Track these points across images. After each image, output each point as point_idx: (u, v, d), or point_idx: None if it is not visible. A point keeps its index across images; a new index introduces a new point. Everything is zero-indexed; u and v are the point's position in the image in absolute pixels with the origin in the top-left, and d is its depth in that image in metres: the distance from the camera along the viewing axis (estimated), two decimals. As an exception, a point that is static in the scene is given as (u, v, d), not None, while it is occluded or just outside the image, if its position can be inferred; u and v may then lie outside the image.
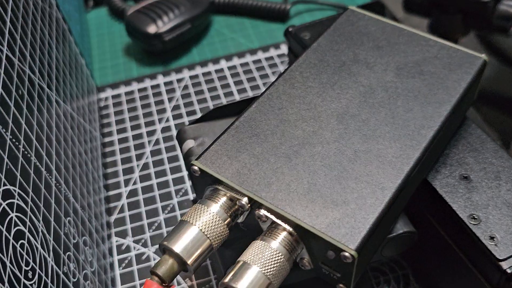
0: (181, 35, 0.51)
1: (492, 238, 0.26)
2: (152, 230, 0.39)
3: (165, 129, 0.46)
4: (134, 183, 0.42)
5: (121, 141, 0.45)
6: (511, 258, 0.26)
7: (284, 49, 0.52)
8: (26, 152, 0.27)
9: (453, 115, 0.28)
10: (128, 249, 0.38)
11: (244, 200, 0.25)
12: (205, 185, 0.26)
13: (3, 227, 0.22)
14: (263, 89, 0.43)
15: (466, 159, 0.30)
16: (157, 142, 0.45)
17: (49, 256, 0.26)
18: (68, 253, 0.29)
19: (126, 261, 0.37)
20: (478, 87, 0.31)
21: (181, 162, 0.43)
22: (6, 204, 0.23)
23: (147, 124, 0.46)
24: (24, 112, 0.28)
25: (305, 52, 0.31)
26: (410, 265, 0.35)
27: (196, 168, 0.26)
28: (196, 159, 0.26)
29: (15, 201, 0.24)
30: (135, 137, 0.45)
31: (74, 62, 0.42)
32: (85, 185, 0.36)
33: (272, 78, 0.48)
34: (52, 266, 0.26)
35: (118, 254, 0.37)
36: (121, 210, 0.40)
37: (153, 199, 0.40)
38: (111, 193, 0.41)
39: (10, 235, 0.22)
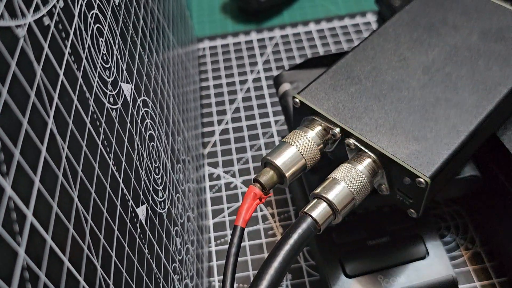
0: (276, -3, 0.55)
1: (552, 187, 0.30)
2: (240, 164, 0.44)
3: (256, 80, 0.50)
4: (226, 123, 0.47)
5: (216, 86, 0.50)
6: None
7: (369, 17, 0.55)
8: (156, 75, 0.32)
9: (529, 77, 0.31)
10: (218, 178, 0.43)
11: (337, 130, 0.29)
12: (302, 117, 0.31)
13: (142, 127, 0.27)
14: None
15: (536, 119, 0.33)
16: (248, 90, 0.49)
17: (168, 161, 0.31)
18: (179, 165, 0.34)
19: (216, 187, 0.42)
20: (555, 57, 0.34)
21: (269, 109, 0.47)
22: (144, 111, 0.28)
23: (240, 74, 0.51)
24: (154, 42, 0.33)
25: (399, 12, 0.35)
26: (470, 215, 0.39)
27: (297, 100, 0.30)
28: (298, 93, 0.31)
29: (149, 110, 0.29)
30: (229, 84, 0.50)
31: (183, 12, 0.48)
32: (188, 117, 0.41)
33: (357, 43, 0.52)
34: (169, 170, 0.31)
35: (210, 181, 0.43)
36: (214, 145, 0.45)
37: (242, 138, 0.45)
38: (206, 129, 0.46)
39: (146, 135, 0.28)
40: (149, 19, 0.33)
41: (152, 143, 0.29)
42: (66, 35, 0.19)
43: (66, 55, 0.19)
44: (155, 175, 0.28)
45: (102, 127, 0.21)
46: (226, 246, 0.39)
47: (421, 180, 0.27)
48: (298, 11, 0.57)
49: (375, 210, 0.35)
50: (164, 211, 0.29)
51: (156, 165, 0.29)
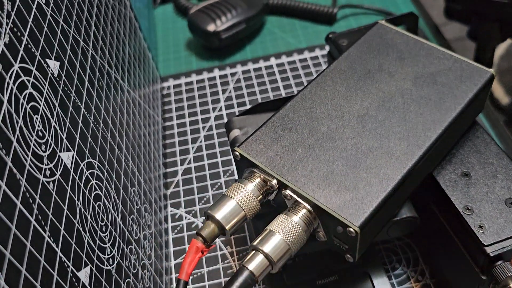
0: (237, 34, 0.57)
1: (481, 226, 0.31)
2: (202, 203, 0.45)
3: (218, 117, 0.52)
4: (189, 162, 0.48)
5: (179, 125, 0.52)
6: (494, 244, 0.31)
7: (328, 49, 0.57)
8: (103, 133, 0.33)
9: (458, 120, 0.33)
10: (180, 218, 0.44)
11: (274, 181, 0.31)
12: (244, 168, 0.32)
13: (86, 190, 0.29)
14: (305, 86, 0.48)
15: (469, 158, 0.35)
16: (210, 128, 0.51)
17: (118, 216, 0.33)
18: (132, 216, 0.35)
19: (178, 228, 0.44)
20: (487, 97, 0.36)
21: (229, 147, 0.49)
22: (89, 173, 0.30)
23: (203, 112, 0.53)
24: (103, 100, 0.35)
25: (337, 59, 0.37)
26: (419, 248, 0.40)
27: (237, 153, 0.32)
28: (238, 146, 0.32)
29: (95, 171, 0.31)
30: (192, 122, 0.52)
31: (143, 56, 0.49)
32: (147, 162, 0.43)
33: (315, 76, 0.54)
34: (120, 224, 0.33)
35: (172, 222, 0.44)
36: (177, 185, 0.47)
37: (203, 177, 0.47)
38: (169, 170, 0.48)
39: (91, 196, 0.29)
40: (96, 78, 0.34)
41: (98, 202, 0.30)
42: (-9, 126, 0.21)
43: (-8, 145, 0.20)
44: (101, 234, 0.30)
45: (36, 203, 0.23)
46: (189, 287, 0.40)
47: (351, 229, 0.28)
48: (260, 46, 0.59)
49: (324, 250, 0.37)
50: (112, 266, 0.30)
51: (103, 224, 0.30)
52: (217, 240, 0.43)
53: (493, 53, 0.63)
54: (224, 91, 0.54)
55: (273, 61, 0.57)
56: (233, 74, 0.56)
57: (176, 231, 0.44)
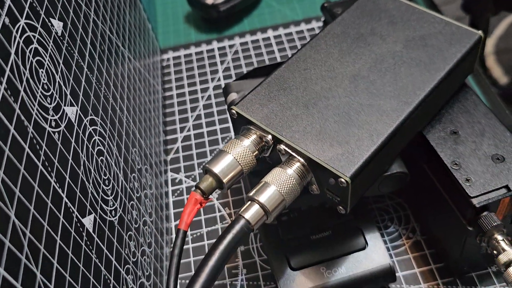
0: (235, 6, 0.58)
1: (468, 180, 0.33)
2: (201, 168, 0.46)
3: (217, 87, 0.53)
4: (188, 130, 0.50)
5: (178, 95, 0.53)
6: (480, 196, 0.32)
7: (325, 21, 0.58)
8: (105, 93, 0.35)
9: (447, 80, 0.34)
10: (180, 182, 0.46)
11: (269, 137, 0.32)
12: (240, 126, 0.34)
13: (90, 144, 0.30)
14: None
15: (458, 118, 0.36)
16: (209, 97, 0.52)
17: (120, 172, 0.34)
18: (133, 174, 0.37)
19: (178, 191, 0.45)
20: (476, 59, 0.37)
21: (228, 115, 0.50)
22: (92, 129, 0.31)
23: (202, 82, 0.54)
24: (105, 63, 0.36)
25: (330, 24, 0.38)
26: (410, 207, 0.42)
27: (234, 111, 0.33)
28: (235, 105, 0.34)
29: (98, 127, 0.32)
30: (191, 92, 0.53)
31: (142, 26, 0.50)
32: (148, 127, 0.44)
33: (312, 47, 0.55)
34: (122, 180, 0.34)
35: (172, 186, 0.46)
36: (176, 151, 0.48)
37: (202, 144, 0.48)
38: (169, 137, 0.49)
39: (94, 151, 0.31)
40: (98, 42, 0.35)
41: (101, 157, 0.32)
42: (1, 72, 0.22)
43: (2, 90, 0.22)
44: (104, 187, 0.31)
45: (43, 150, 0.24)
46: (187, 246, 0.42)
47: (342, 180, 0.29)
48: (257, 18, 0.60)
49: (318, 207, 0.38)
50: (115, 218, 0.32)
51: (105, 177, 0.32)
52: (216, 202, 0.44)
53: (488, 25, 0.64)
54: (222, 63, 0.56)
55: (270, 33, 0.58)
56: (231, 46, 0.57)
57: (176, 194, 0.45)
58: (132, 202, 0.35)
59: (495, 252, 0.32)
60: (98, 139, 0.32)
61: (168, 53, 0.57)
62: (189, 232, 0.42)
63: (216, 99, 0.52)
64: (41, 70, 0.26)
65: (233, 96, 0.40)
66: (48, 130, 0.25)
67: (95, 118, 0.32)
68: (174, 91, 0.53)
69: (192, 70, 0.55)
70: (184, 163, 0.47)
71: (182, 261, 0.41)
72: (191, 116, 0.51)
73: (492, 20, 0.74)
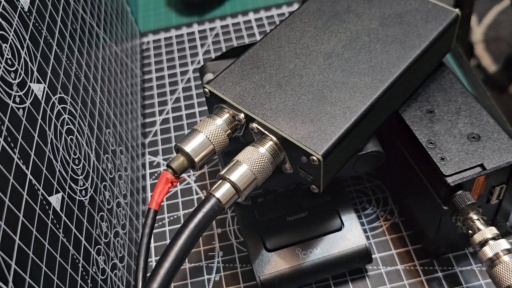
0: (216, -11, 0.58)
1: (442, 159, 0.32)
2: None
3: (196, 70, 0.53)
4: (167, 113, 0.49)
5: (158, 78, 0.52)
6: (454, 175, 0.32)
7: (307, 4, 0.57)
8: (77, 73, 0.34)
9: (423, 58, 0.34)
10: (158, 165, 0.45)
11: (242, 115, 0.32)
12: (214, 105, 0.33)
13: (58, 122, 0.30)
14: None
15: (434, 97, 0.36)
16: (188, 80, 0.52)
17: (92, 153, 0.34)
18: (106, 155, 0.36)
19: (156, 174, 0.45)
20: (453, 37, 0.37)
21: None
22: (61, 107, 0.30)
23: (181, 65, 0.53)
24: (76, 42, 0.35)
25: (306, 2, 0.37)
26: (389, 189, 0.41)
27: (207, 90, 0.33)
28: (207, 83, 0.33)
29: (67, 106, 0.31)
30: (170, 75, 0.53)
31: (120, 8, 0.50)
32: (125, 110, 0.44)
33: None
34: (93, 160, 0.34)
35: (150, 169, 0.45)
36: (155, 134, 0.48)
37: (181, 127, 0.48)
38: (147, 120, 0.49)
39: (63, 129, 0.30)
40: (69, 21, 0.35)
41: (71, 136, 0.31)
42: (-43, 45, 0.21)
43: (-42, 63, 0.21)
44: (73, 166, 0.30)
45: (5, 125, 0.24)
46: (164, 229, 0.41)
47: (314, 158, 0.29)
48: (239, 1, 0.60)
49: (295, 188, 0.38)
50: (85, 198, 0.31)
51: (75, 157, 0.31)
52: (193, 184, 0.44)
53: (472, 8, 0.64)
54: (202, 46, 0.55)
55: (251, 15, 0.57)
56: (212, 29, 0.57)
57: (154, 177, 0.45)
58: (104, 183, 0.35)
59: (470, 231, 0.32)
60: (68, 117, 0.31)
61: (148, 37, 0.57)
62: (166, 215, 0.42)
63: (196, 82, 0.51)
64: (5, 45, 0.25)
65: (209, 76, 0.39)
66: (11, 106, 0.25)
67: (64, 96, 0.31)
68: (153, 74, 0.53)
69: (172, 53, 0.55)
70: (162, 146, 0.47)
71: (158, 243, 0.41)
72: (170, 99, 0.50)
73: (481, 8, 0.74)
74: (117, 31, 0.47)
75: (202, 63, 0.53)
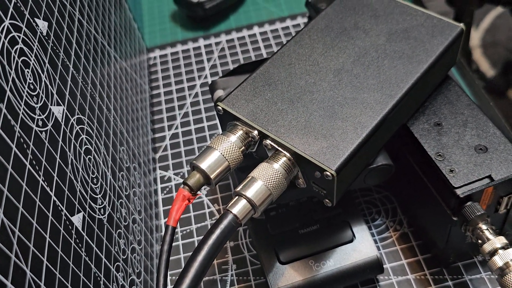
0: (220, 4, 0.58)
1: (451, 171, 0.33)
2: (189, 166, 0.47)
3: (204, 85, 0.53)
4: (176, 128, 0.50)
5: (166, 93, 0.53)
6: (463, 186, 0.33)
7: (310, 17, 0.58)
8: (92, 93, 0.35)
9: (430, 72, 0.35)
10: (169, 180, 0.46)
11: (255, 132, 0.32)
12: (227, 122, 0.34)
13: (77, 143, 0.30)
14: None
15: (441, 109, 0.37)
16: (196, 95, 0.53)
17: (108, 171, 0.34)
18: (121, 172, 0.37)
19: (167, 189, 0.45)
20: (458, 50, 0.38)
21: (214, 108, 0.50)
22: (79, 128, 0.31)
23: (189, 80, 0.54)
24: (91, 62, 0.36)
25: (314, 19, 0.38)
26: (397, 200, 0.42)
27: (220, 108, 0.34)
28: (221, 101, 0.34)
29: (85, 127, 0.32)
30: (178, 90, 0.53)
31: (128, 26, 0.50)
32: (136, 126, 0.44)
33: (298, 43, 0.55)
34: (110, 179, 0.34)
35: (161, 183, 0.46)
36: (165, 149, 0.48)
37: (191, 141, 0.49)
38: (157, 135, 0.50)
39: (81, 149, 0.31)
40: (83, 42, 0.35)
41: (89, 156, 0.32)
42: (-14, 73, 0.22)
43: (-13, 91, 0.22)
44: (92, 185, 0.31)
45: (30, 149, 0.25)
46: (177, 243, 0.42)
47: (328, 173, 0.30)
48: (243, 15, 0.61)
49: (306, 201, 0.39)
50: (104, 216, 0.32)
51: (93, 176, 0.32)
52: (205, 198, 0.44)
53: (472, 19, 0.65)
54: (209, 60, 0.56)
55: (256, 29, 0.58)
56: (217, 44, 0.57)
57: (165, 192, 0.45)
58: (121, 200, 0.35)
59: (479, 241, 0.33)
60: (86, 137, 0.32)
61: (154, 52, 0.58)
62: (178, 229, 0.43)
63: (203, 97, 0.52)
64: (27, 70, 0.26)
65: (219, 92, 0.40)
66: (35, 130, 0.25)
67: (82, 117, 0.32)
68: (161, 89, 0.54)
69: (179, 68, 0.56)
70: (172, 160, 0.47)
71: (172, 258, 0.41)
72: (179, 114, 0.51)
73: (478, 13, 0.75)
74: (126, 48, 0.47)
75: (209, 77, 0.54)
